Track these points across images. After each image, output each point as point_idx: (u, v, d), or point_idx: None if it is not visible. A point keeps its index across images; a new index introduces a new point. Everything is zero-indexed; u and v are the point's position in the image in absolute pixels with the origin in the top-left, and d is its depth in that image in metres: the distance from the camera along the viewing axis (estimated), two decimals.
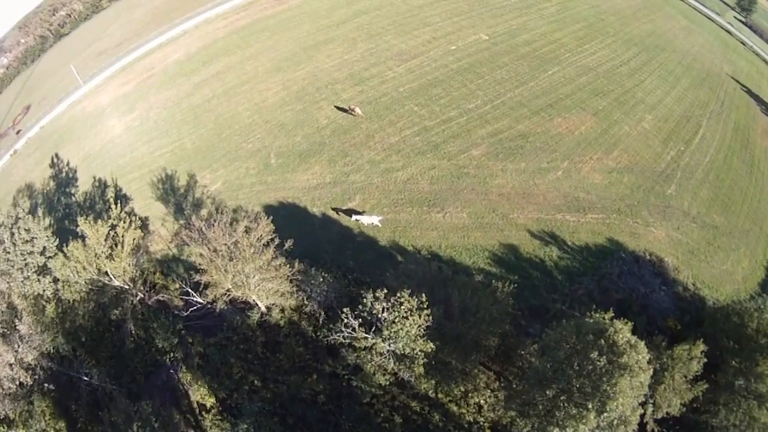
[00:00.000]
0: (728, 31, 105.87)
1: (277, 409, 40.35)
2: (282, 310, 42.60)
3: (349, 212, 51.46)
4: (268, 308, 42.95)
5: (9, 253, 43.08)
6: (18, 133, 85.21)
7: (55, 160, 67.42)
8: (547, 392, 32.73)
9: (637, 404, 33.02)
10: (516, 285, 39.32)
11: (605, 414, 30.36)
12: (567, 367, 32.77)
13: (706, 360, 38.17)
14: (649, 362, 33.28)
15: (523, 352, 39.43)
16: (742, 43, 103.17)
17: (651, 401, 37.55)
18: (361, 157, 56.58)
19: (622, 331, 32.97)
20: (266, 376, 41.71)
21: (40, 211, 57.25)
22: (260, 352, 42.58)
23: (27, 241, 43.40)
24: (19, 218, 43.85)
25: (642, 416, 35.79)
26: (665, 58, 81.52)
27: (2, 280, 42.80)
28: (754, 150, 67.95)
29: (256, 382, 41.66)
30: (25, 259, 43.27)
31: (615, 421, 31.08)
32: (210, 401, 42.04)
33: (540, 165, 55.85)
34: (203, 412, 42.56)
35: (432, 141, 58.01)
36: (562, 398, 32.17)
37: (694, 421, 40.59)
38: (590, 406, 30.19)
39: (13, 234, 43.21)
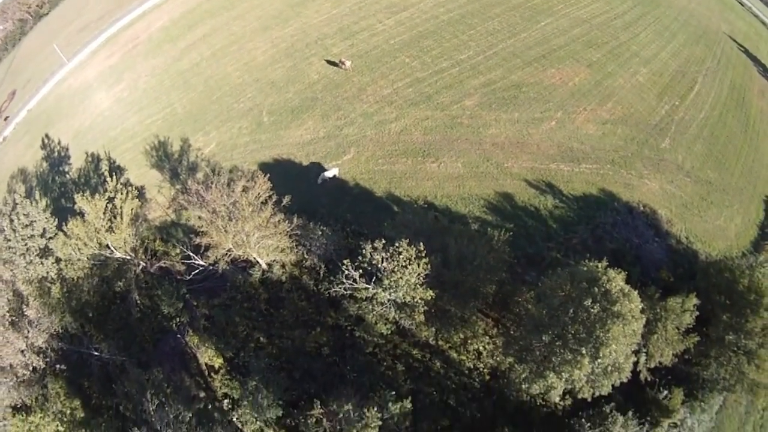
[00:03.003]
0: None
1: (283, 364, 41.65)
2: (283, 266, 43.24)
3: (319, 170, 51.91)
4: (270, 265, 43.54)
5: (10, 240, 43.07)
6: (6, 119, 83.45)
7: (46, 141, 66.53)
8: (543, 338, 34.01)
9: (630, 352, 34.22)
10: (512, 233, 39.97)
11: (599, 360, 31.71)
12: (562, 314, 33.94)
13: (697, 313, 39.14)
14: (642, 312, 34.20)
15: (519, 299, 40.45)
16: (741, 3, 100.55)
17: (644, 350, 38.81)
18: (353, 111, 56.68)
19: (615, 280, 33.84)
20: (271, 332, 42.79)
21: (36, 194, 56.88)
22: (264, 309, 43.48)
23: (26, 225, 43.35)
24: (17, 204, 43.65)
25: (635, 365, 37.19)
26: (661, 13, 79.56)
27: (5, 268, 42.83)
28: (749, 110, 67.50)
29: (261, 339, 42.78)
30: (26, 244, 43.23)
31: (609, 368, 32.57)
32: (218, 362, 43.22)
33: (533, 115, 55.86)
34: (212, 374, 43.69)
35: (425, 92, 58.00)
36: (557, 344, 33.49)
37: (685, 372, 42.20)
38: (584, 352, 31.53)
39: (12, 220, 43.16)
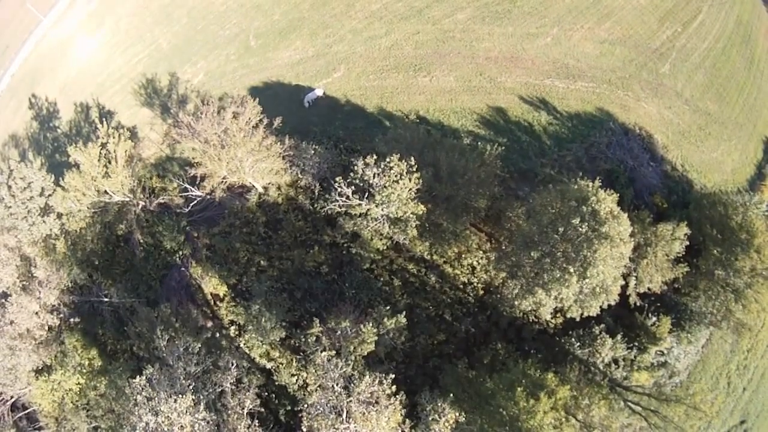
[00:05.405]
0: None
1: (284, 285, 42.94)
2: (279, 188, 43.85)
3: (305, 92, 51.62)
4: (265, 188, 44.14)
5: (10, 207, 43.19)
6: None
7: (33, 100, 65.09)
8: (533, 254, 34.42)
9: (619, 275, 34.53)
10: (504, 148, 40.13)
11: (587, 280, 32.16)
12: (551, 231, 34.22)
13: (688, 243, 39.30)
14: (631, 235, 34.42)
15: (511, 215, 40.90)
16: None
17: (634, 274, 39.32)
18: (342, 28, 55.66)
19: (605, 201, 33.83)
20: (271, 254, 43.83)
21: (30, 155, 56.56)
22: (263, 233, 44.36)
23: (24, 188, 43.43)
24: (12, 170, 43.49)
25: (625, 288, 37.69)
26: None
27: (10, 236, 43.26)
28: (755, 48, 64.64)
29: (262, 262, 43.89)
30: (26, 207, 43.44)
31: (596, 289, 33.02)
32: (222, 290, 44.65)
33: (528, 30, 54.38)
34: (217, 302, 45.24)
35: (415, 6, 56.44)
36: (546, 261, 34.03)
37: (674, 301, 43.21)
38: (572, 271, 31.98)
39: (10, 187, 43.11)
